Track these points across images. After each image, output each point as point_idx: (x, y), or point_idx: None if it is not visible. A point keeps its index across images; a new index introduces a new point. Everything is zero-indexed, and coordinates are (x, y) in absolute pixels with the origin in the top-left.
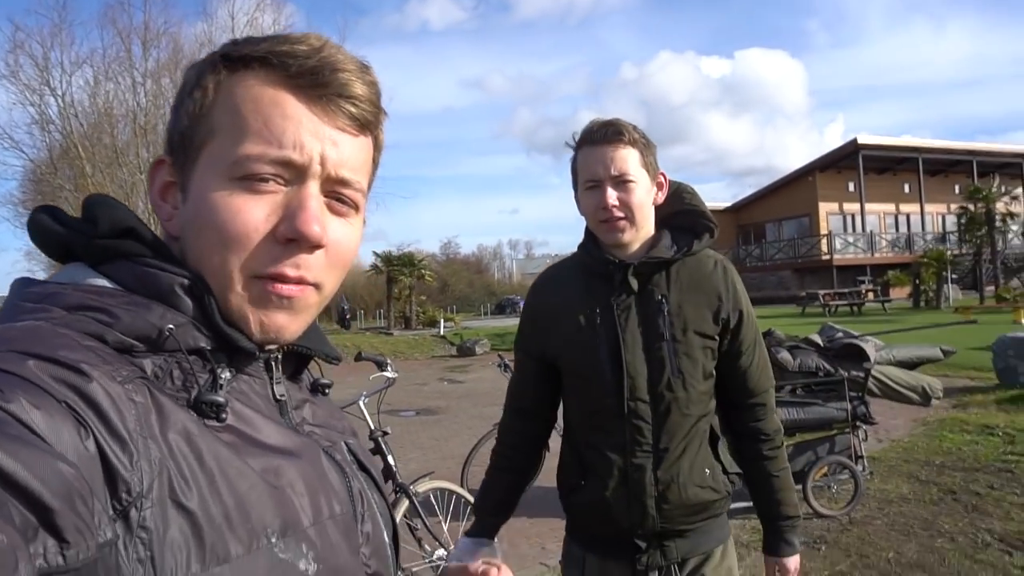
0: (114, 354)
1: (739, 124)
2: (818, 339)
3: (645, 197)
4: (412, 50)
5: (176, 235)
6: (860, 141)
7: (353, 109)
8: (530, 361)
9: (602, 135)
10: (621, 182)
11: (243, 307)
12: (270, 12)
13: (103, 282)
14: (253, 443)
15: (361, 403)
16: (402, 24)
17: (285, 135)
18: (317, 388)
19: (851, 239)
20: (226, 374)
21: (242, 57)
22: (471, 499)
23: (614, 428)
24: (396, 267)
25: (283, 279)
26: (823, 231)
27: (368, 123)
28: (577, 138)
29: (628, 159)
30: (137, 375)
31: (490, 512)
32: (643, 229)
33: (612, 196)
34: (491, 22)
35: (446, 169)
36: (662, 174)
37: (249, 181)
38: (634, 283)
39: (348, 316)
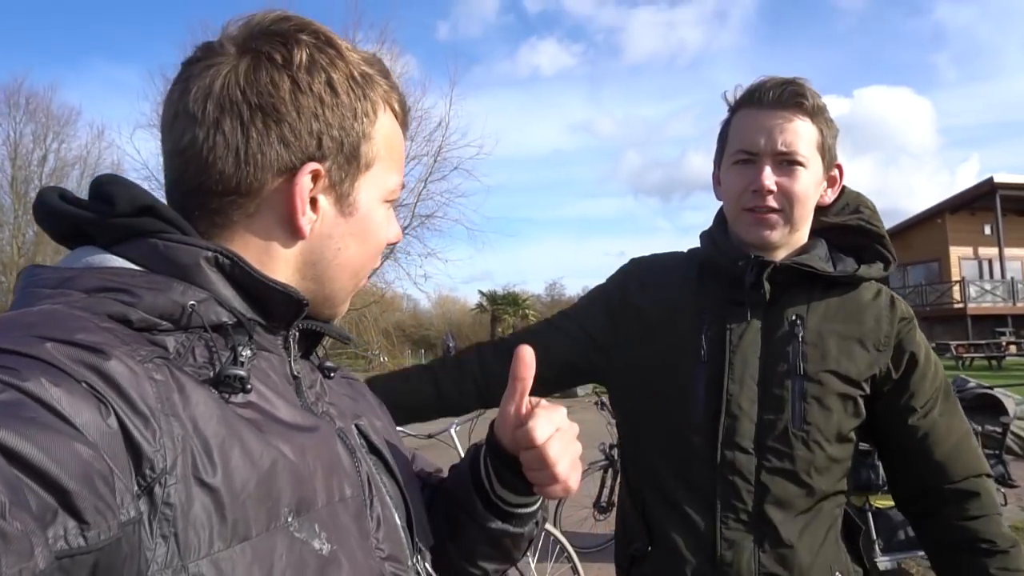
0: (134, 335)
1: (859, 166)
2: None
3: (812, 189)
4: (522, 95)
5: (305, 237)
6: (997, 180)
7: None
8: (578, 333)
9: (775, 95)
10: (787, 162)
11: (349, 295)
12: (387, 60)
13: (120, 262)
14: (273, 420)
15: (453, 431)
16: (513, 71)
17: (403, 167)
18: (323, 370)
19: (988, 286)
20: (247, 351)
21: (386, 90)
22: (563, 539)
23: (702, 481)
24: (500, 306)
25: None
26: (955, 277)
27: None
28: (737, 96)
29: (802, 133)
30: (157, 354)
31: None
32: (797, 232)
33: (770, 178)
34: (600, 67)
35: (553, 211)
36: (838, 166)
37: (388, 204)
38: (766, 288)
39: (452, 352)
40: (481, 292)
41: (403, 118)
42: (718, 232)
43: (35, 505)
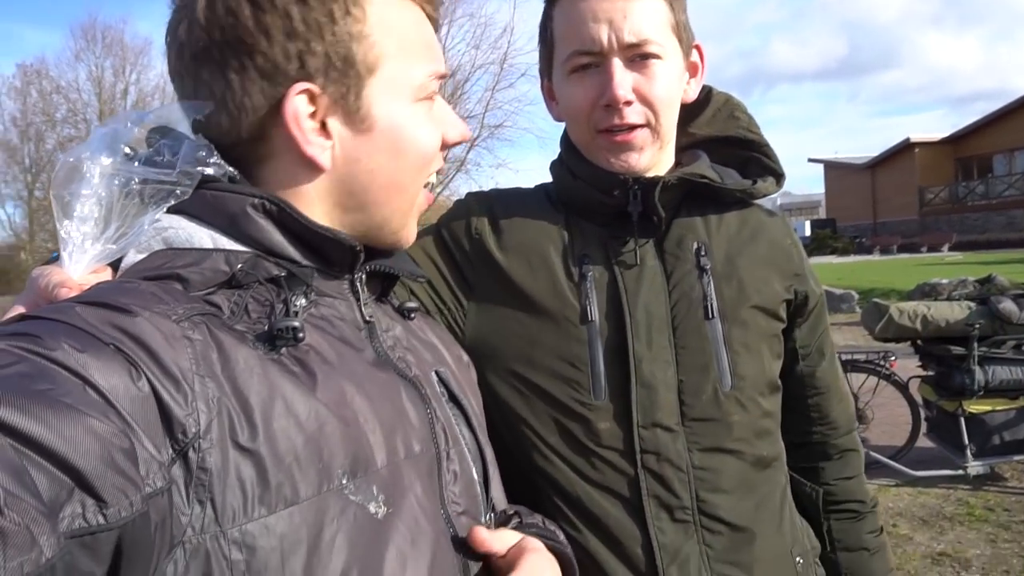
0: (181, 293)
1: (965, 41)
2: None
3: (676, 85)
4: None
5: (328, 167)
6: None
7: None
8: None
9: None
10: (639, 56)
11: (411, 217)
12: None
13: (170, 221)
14: (330, 374)
15: None
16: None
17: (435, 52)
18: (403, 311)
19: None
20: (301, 300)
21: None
22: None
23: (618, 478)
24: None
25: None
26: None
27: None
28: None
29: (650, 13)
30: (196, 311)
31: None
32: (666, 149)
33: (624, 84)
34: None
35: None
36: (697, 47)
37: (428, 102)
38: (662, 216)
39: None
40: None
41: None
42: (573, 159)
43: (46, 487)
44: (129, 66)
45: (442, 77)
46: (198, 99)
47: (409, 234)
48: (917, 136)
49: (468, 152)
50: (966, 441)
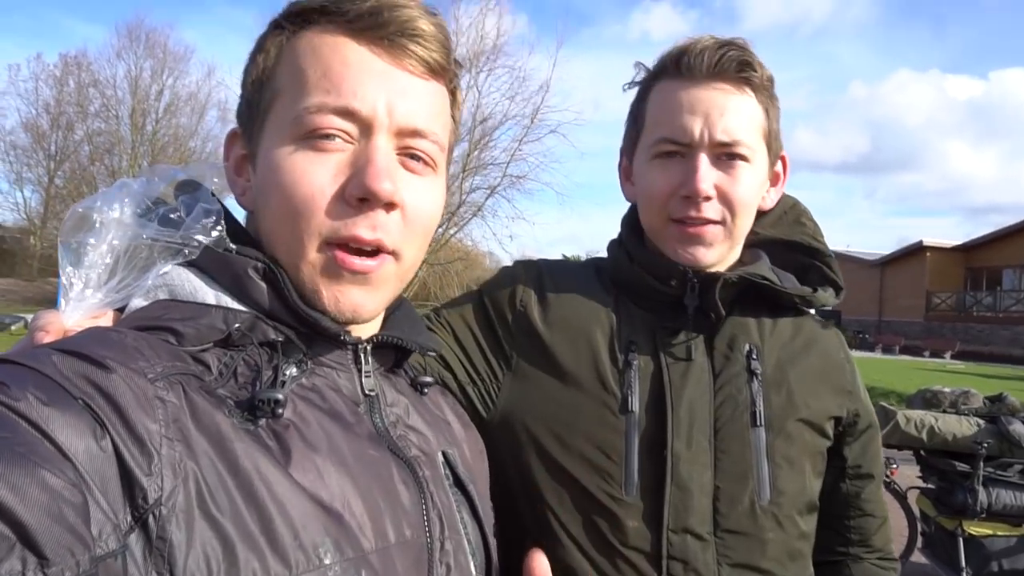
0: (168, 349)
1: (985, 154)
2: None
3: (757, 191)
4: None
5: (251, 209)
6: None
7: (419, 49)
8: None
9: (712, 62)
10: (728, 156)
11: (315, 281)
12: (493, 16)
13: (178, 273)
14: (308, 453)
15: None
16: (623, 34)
17: (344, 82)
18: (417, 386)
19: None
20: (292, 370)
21: (301, 12)
22: None
23: None
24: None
25: (358, 242)
26: None
27: (439, 66)
28: (660, 63)
29: (747, 116)
30: (174, 371)
31: None
32: (736, 248)
33: (707, 179)
34: (716, 33)
35: None
36: (782, 158)
37: (313, 139)
38: (719, 312)
39: None
40: (564, 256)
41: (352, 27)
42: (633, 242)
43: None
44: (167, 70)
45: (342, 112)
46: None
47: (330, 300)
48: (930, 240)
49: (487, 199)
50: (963, 564)
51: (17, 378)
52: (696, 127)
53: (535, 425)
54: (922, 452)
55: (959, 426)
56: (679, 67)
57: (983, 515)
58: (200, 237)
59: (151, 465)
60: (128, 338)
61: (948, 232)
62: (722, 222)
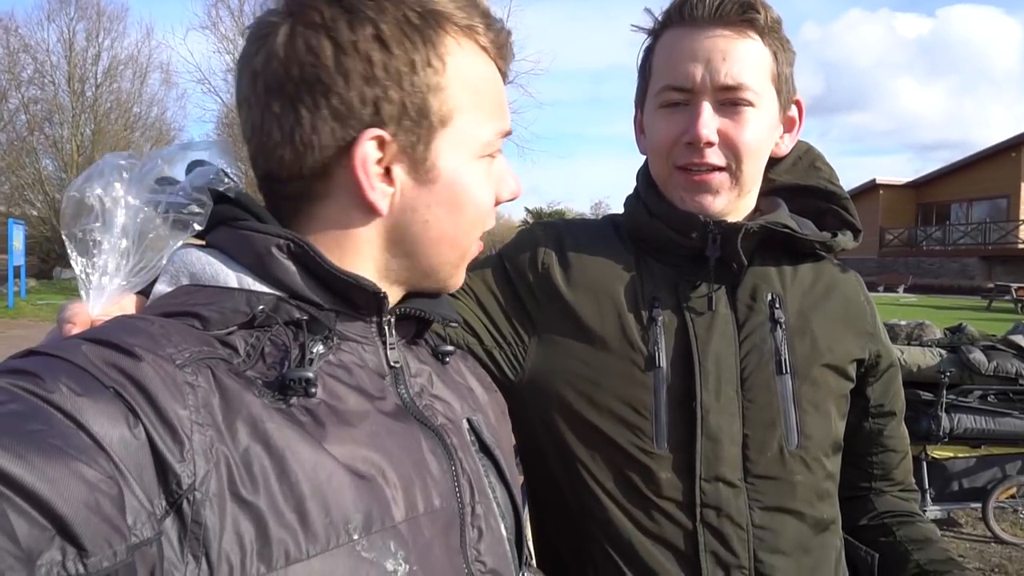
0: (195, 334)
1: (933, 91)
2: (1021, 340)
3: (766, 136)
4: (587, 7)
5: (385, 213)
6: None
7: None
8: (475, 322)
9: (714, 6)
10: (731, 101)
11: (460, 267)
12: None
13: (198, 256)
14: (343, 424)
15: None
16: None
17: (504, 109)
18: (438, 355)
19: None
20: (319, 347)
21: (467, 27)
22: None
23: (676, 531)
24: None
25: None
26: (1023, 216)
27: None
28: (664, 12)
29: (752, 59)
30: (203, 356)
31: None
32: (747, 196)
33: (709, 124)
34: None
35: (605, 128)
36: (797, 102)
37: (488, 158)
38: (742, 262)
39: None
40: (527, 209)
41: (498, 52)
42: (652, 197)
43: (25, 532)
44: (103, 31)
45: (507, 134)
46: (264, 129)
47: (457, 282)
48: (882, 178)
49: None
50: (927, 485)
51: (50, 369)
52: (698, 72)
53: (563, 386)
54: None
55: (923, 357)
56: (682, 15)
57: (945, 439)
58: (204, 194)
59: (183, 451)
60: (155, 325)
61: (899, 169)
62: (727, 168)
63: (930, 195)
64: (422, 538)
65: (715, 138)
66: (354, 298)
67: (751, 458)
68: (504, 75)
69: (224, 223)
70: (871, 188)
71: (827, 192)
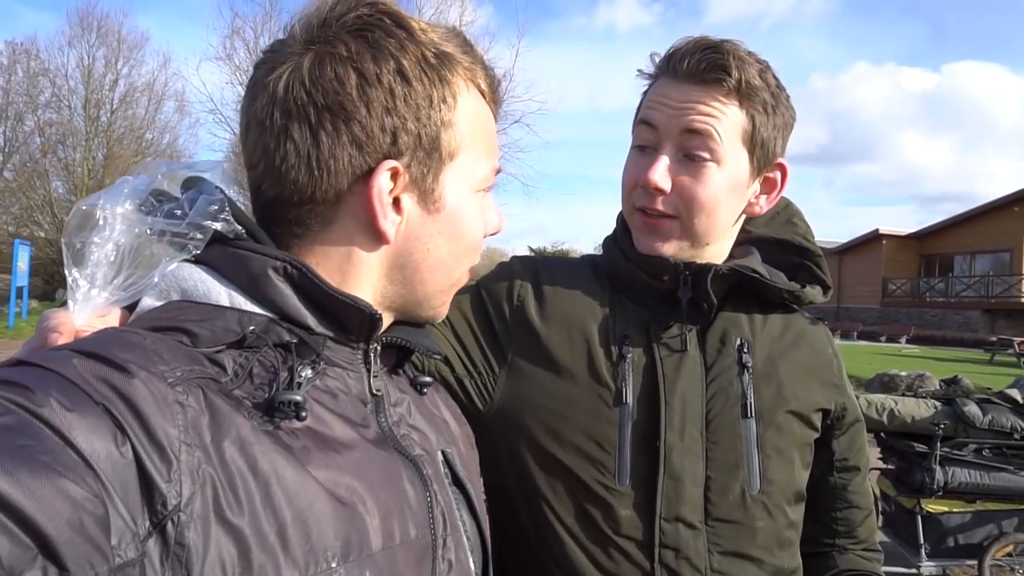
0: (186, 352)
1: (938, 144)
2: (1016, 395)
3: (726, 195)
4: (595, 52)
5: (390, 240)
6: None
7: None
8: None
9: (690, 64)
10: (694, 154)
11: (449, 297)
12: (456, 7)
13: (190, 272)
14: (328, 450)
15: None
16: (589, 27)
17: (496, 148)
18: (416, 385)
19: None
20: (307, 371)
21: (470, 69)
22: None
23: (632, 572)
24: None
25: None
26: None
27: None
28: (658, 61)
29: (719, 117)
30: (194, 376)
31: None
32: (707, 248)
33: (662, 171)
34: (679, 27)
35: (612, 171)
36: (781, 166)
37: (483, 192)
38: (712, 303)
39: None
40: (531, 248)
41: (492, 95)
42: (626, 240)
43: (8, 549)
44: (122, 59)
45: (498, 172)
46: (278, 152)
47: (444, 311)
48: (886, 228)
49: None
50: (921, 540)
51: (40, 382)
52: (664, 116)
53: (530, 418)
54: (882, 434)
55: (917, 408)
56: (668, 66)
57: (940, 493)
58: (207, 223)
59: (170, 471)
60: (147, 340)
61: (903, 220)
62: (676, 217)
63: (933, 246)
64: (395, 568)
65: (666, 186)
66: (347, 322)
67: (713, 500)
68: (496, 116)
69: (220, 240)
70: (874, 238)
71: (801, 248)
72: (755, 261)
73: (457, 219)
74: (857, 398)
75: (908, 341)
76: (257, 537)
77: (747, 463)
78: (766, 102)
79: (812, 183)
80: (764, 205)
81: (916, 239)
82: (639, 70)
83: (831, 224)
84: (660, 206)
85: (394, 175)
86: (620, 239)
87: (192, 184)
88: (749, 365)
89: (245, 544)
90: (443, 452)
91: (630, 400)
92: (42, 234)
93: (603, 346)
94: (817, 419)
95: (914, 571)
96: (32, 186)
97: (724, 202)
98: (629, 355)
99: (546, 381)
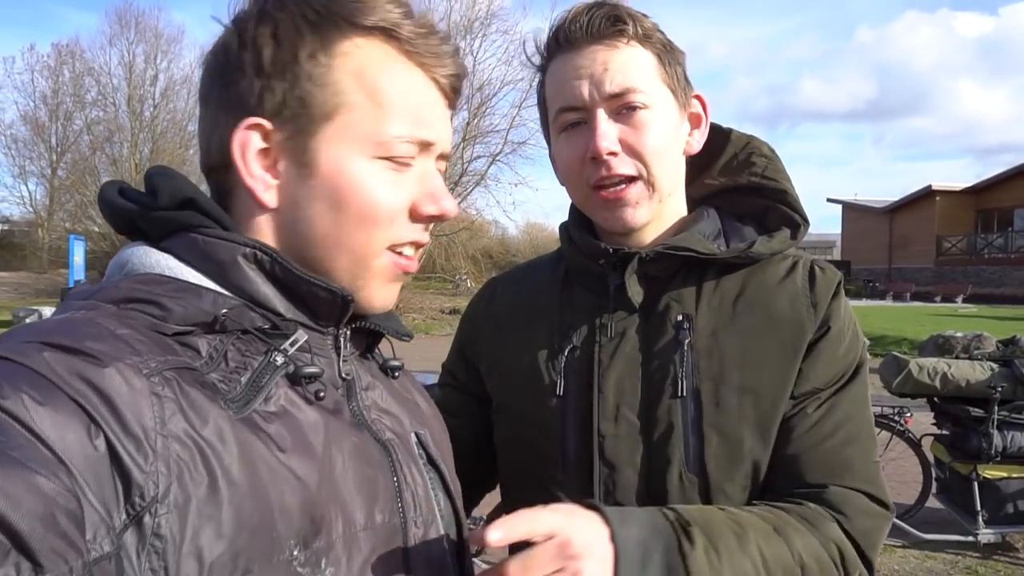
0: (161, 340)
1: (996, 92)
2: None
3: (670, 136)
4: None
5: (274, 206)
6: None
7: (455, 88)
8: (457, 396)
9: (586, 28)
10: (626, 107)
11: (366, 279)
12: None
13: (161, 258)
14: (297, 435)
15: None
16: None
17: (424, 119)
18: (386, 370)
19: None
20: (279, 357)
21: (373, 26)
22: None
23: None
24: None
25: (417, 246)
26: None
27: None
28: (544, 45)
29: (633, 64)
30: (171, 365)
31: None
32: (668, 199)
33: (608, 135)
34: None
35: None
36: (698, 97)
37: (392, 162)
38: (636, 291)
39: None
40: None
41: (430, 62)
42: (573, 225)
43: None
44: (160, 53)
45: (426, 145)
46: (203, 125)
47: (370, 296)
48: (939, 184)
49: (489, 167)
50: (979, 507)
51: (10, 376)
52: (584, 88)
53: (500, 418)
54: (936, 399)
55: (972, 371)
56: (559, 42)
57: (998, 458)
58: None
59: (148, 462)
60: (118, 329)
61: (958, 174)
62: (639, 177)
63: (991, 201)
64: (359, 554)
65: (617, 147)
66: (317, 307)
67: (651, 485)
68: (444, 89)
69: (185, 229)
70: (927, 195)
71: (762, 188)
72: (693, 231)
73: (336, 183)
74: (908, 363)
75: (964, 300)
76: (233, 524)
77: (682, 445)
78: (664, 40)
79: (861, 141)
80: (699, 139)
81: (972, 193)
82: (528, 61)
83: (883, 183)
84: (617, 169)
85: (264, 135)
86: (571, 224)
87: (158, 178)
88: (686, 342)
89: (222, 533)
90: (416, 434)
91: (566, 391)
92: (96, 229)
93: (548, 340)
94: (782, 385)
95: (971, 539)
96: (84, 183)
97: (672, 143)
98: (569, 347)
99: (504, 383)
